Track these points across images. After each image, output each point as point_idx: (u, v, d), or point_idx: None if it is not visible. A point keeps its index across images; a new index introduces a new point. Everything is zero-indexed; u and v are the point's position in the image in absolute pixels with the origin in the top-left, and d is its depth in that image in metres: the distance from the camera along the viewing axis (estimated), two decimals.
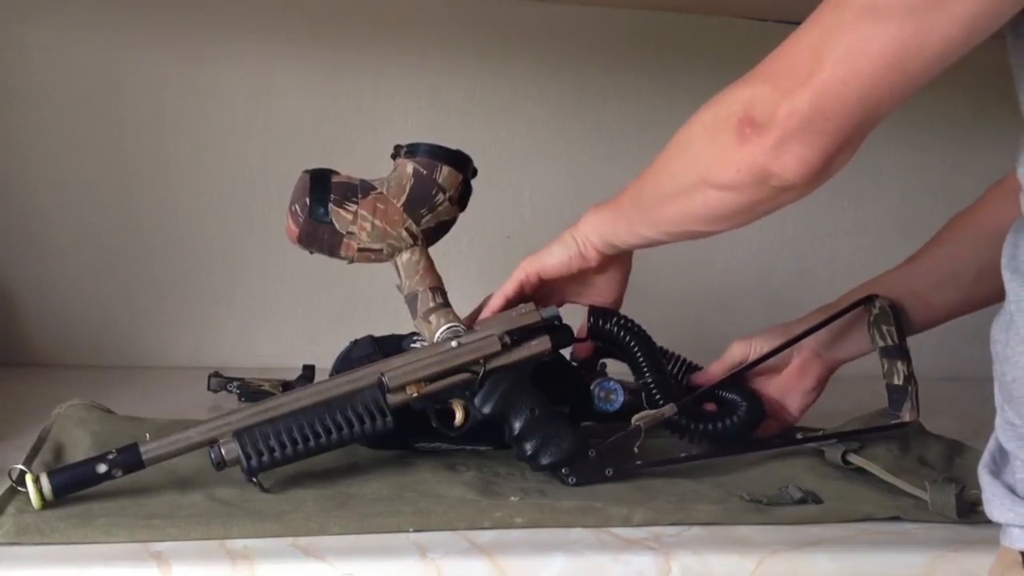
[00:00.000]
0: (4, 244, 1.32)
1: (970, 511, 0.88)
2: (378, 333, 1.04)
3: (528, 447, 0.94)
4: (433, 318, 0.96)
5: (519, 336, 0.94)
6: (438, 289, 0.97)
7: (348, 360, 1.02)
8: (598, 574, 0.80)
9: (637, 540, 0.83)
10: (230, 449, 0.87)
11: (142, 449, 0.85)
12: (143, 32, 1.32)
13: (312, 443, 0.88)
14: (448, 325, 0.95)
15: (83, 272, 1.34)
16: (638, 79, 1.44)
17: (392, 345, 1.01)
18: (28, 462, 0.90)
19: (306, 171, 0.97)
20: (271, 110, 1.36)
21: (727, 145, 0.78)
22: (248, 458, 0.87)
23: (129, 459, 0.84)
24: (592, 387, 1.04)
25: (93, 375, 1.29)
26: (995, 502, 0.73)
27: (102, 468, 0.83)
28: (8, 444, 0.97)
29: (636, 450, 0.95)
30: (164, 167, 1.35)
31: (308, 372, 1.22)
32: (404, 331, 1.05)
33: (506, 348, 0.93)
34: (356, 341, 1.04)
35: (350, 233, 0.95)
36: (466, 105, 1.41)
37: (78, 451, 0.93)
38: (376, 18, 1.36)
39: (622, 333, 1.01)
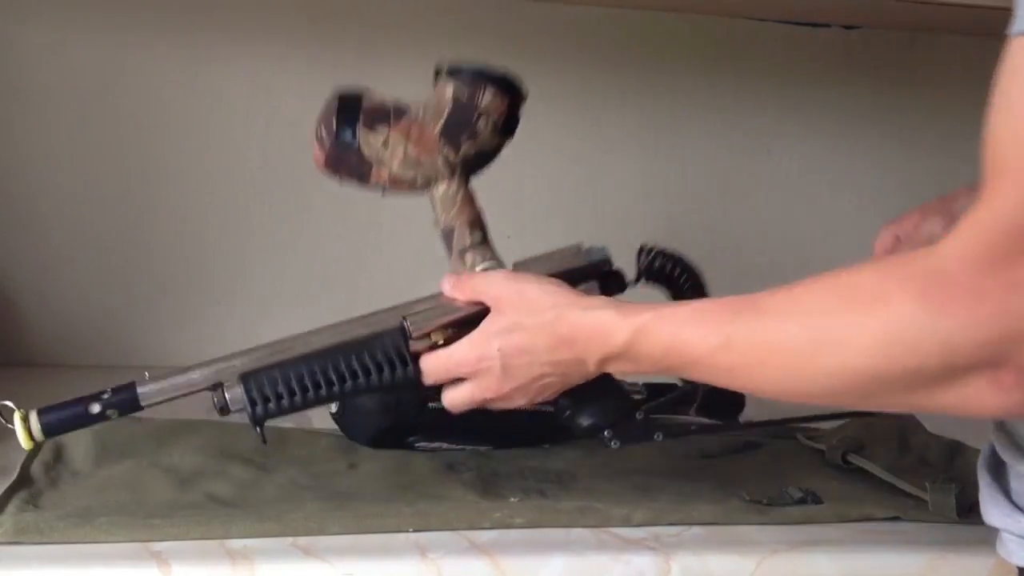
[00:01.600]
0: (4, 244, 1.32)
1: (970, 511, 0.88)
2: None
3: (567, 407, 0.85)
4: (469, 256, 0.87)
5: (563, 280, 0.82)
6: (477, 224, 0.88)
7: None
8: (598, 574, 0.80)
9: (637, 540, 0.83)
10: (235, 394, 0.80)
11: (139, 390, 0.80)
12: (143, 32, 1.32)
13: (324, 391, 0.80)
14: (485, 264, 0.87)
15: (83, 272, 1.34)
16: (638, 79, 1.44)
17: None
18: (28, 462, 0.90)
19: (336, 92, 0.89)
20: (271, 110, 1.36)
21: (974, 394, 0.58)
22: (254, 404, 0.79)
23: (125, 399, 0.79)
24: None
25: (93, 375, 1.28)
26: (990, 503, 0.72)
27: (95, 408, 0.78)
28: (8, 444, 0.97)
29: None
30: (164, 167, 1.35)
31: None
32: None
33: None
34: None
35: (380, 160, 0.87)
36: None
37: (78, 451, 0.93)
38: (376, 18, 1.36)
39: (677, 271, 0.90)
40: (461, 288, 0.82)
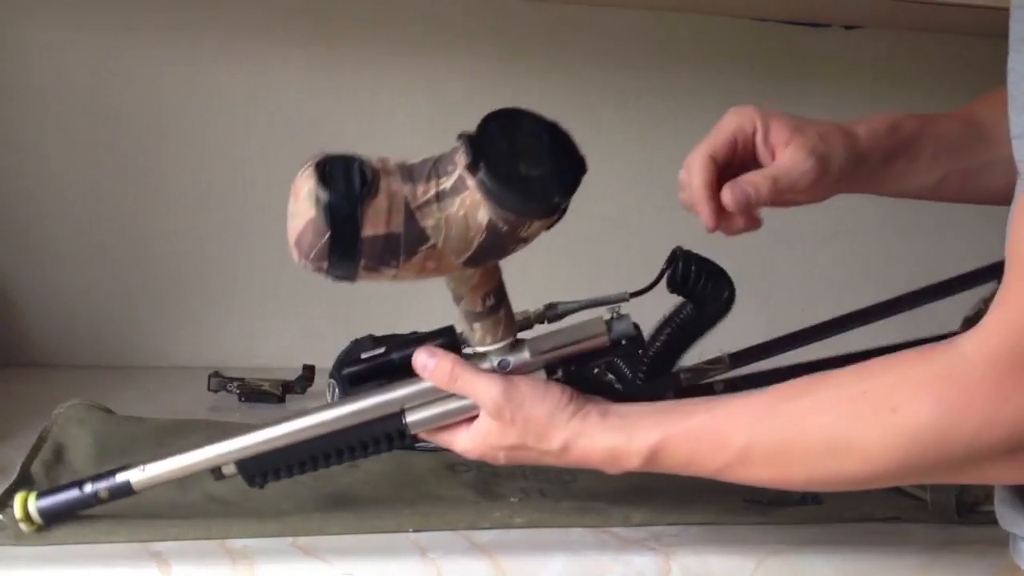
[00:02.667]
0: (4, 244, 1.32)
1: (970, 511, 0.88)
2: (378, 333, 1.04)
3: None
4: (477, 327, 0.77)
5: (575, 366, 0.76)
6: (492, 294, 0.75)
7: (348, 360, 1.02)
8: (598, 574, 0.80)
9: (637, 540, 0.83)
10: (230, 471, 0.79)
11: (133, 483, 0.79)
12: (142, 32, 1.32)
13: (321, 463, 0.79)
14: (494, 348, 0.76)
15: (83, 272, 1.34)
16: (638, 79, 1.44)
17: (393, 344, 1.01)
18: (28, 462, 0.90)
19: (323, 206, 0.68)
20: (271, 110, 1.36)
21: (995, 474, 0.62)
22: (252, 481, 0.79)
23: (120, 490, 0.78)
24: None
25: (93, 375, 1.29)
26: (1008, 509, 0.70)
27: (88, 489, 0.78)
28: (8, 444, 0.97)
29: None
30: (164, 167, 1.35)
31: (308, 372, 1.23)
32: (404, 331, 1.05)
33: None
34: (356, 341, 1.04)
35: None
36: (466, 105, 1.40)
37: (78, 451, 0.93)
38: (376, 18, 1.36)
39: (701, 283, 0.85)
40: (446, 382, 0.75)
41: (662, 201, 1.49)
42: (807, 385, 0.66)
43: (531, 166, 0.69)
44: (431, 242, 0.68)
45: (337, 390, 1.00)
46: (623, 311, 0.79)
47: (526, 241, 0.71)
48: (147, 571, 0.74)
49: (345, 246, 0.68)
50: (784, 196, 0.78)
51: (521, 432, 0.73)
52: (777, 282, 1.52)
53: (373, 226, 0.67)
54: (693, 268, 0.83)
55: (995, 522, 0.86)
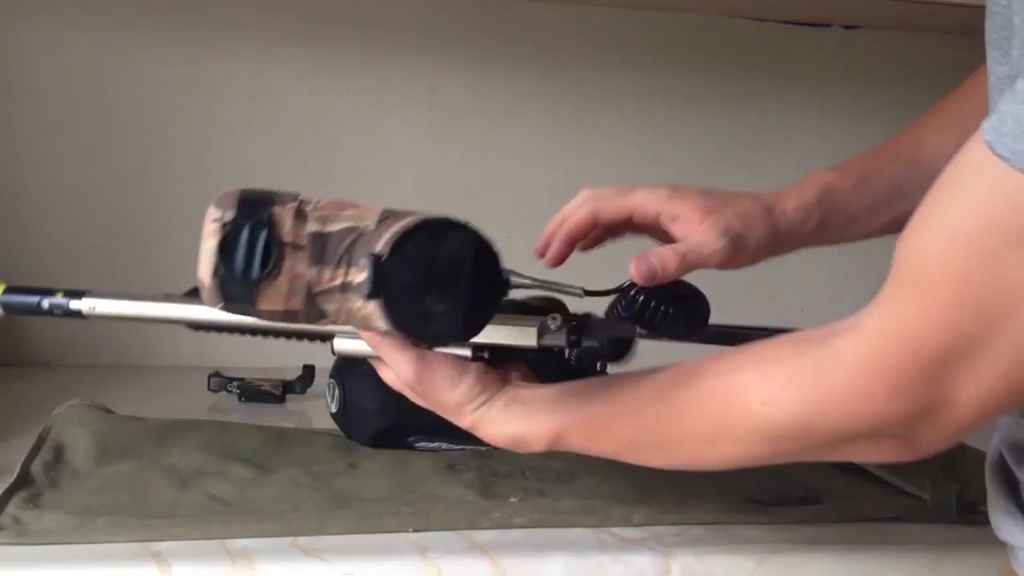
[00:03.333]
0: (3, 243, 1.32)
1: (970, 511, 0.88)
2: None
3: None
4: None
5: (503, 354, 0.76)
6: None
7: (348, 360, 1.02)
8: (598, 574, 0.80)
9: (637, 540, 0.83)
10: None
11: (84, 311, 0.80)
12: (143, 32, 1.32)
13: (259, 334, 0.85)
14: None
15: (83, 272, 1.34)
16: (638, 79, 1.44)
17: None
18: (28, 462, 0.90)
19: (218, 281, 0.67)
20: (271, 110, 1.36)
21: (859, 453, 0.65)
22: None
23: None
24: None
25: (93, 375, 1.29)
26: (1005, 518, 0.70)
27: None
28: (8, 444, 0.97)
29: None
30: (164, 166, 1.35)
31: (308, 372, 1.23)
32: None
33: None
34: None
35: None
36: (466, 105, 1.40)
37: (78, 451, 0.93)
38: (376, 18, 1.36)
39: (649, 314, 0.80)
40: (376, 346, 0.75)
41: None
42: (688, 374, 0.69)
43: (439, 299, 0.65)
44: (330, 319, 0.67)
45: (337, 390, 1.00)
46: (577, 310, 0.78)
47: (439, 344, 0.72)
48: (147, 571, 0.74)
49: (241, 310, 0.67)
50: (694, 269, 0.78)
51: (432, 406, 0.76)
52: (777, 282, 1.52)
53: (270, 303, 0.66)
54: (641, 303, 0.80)
55: None
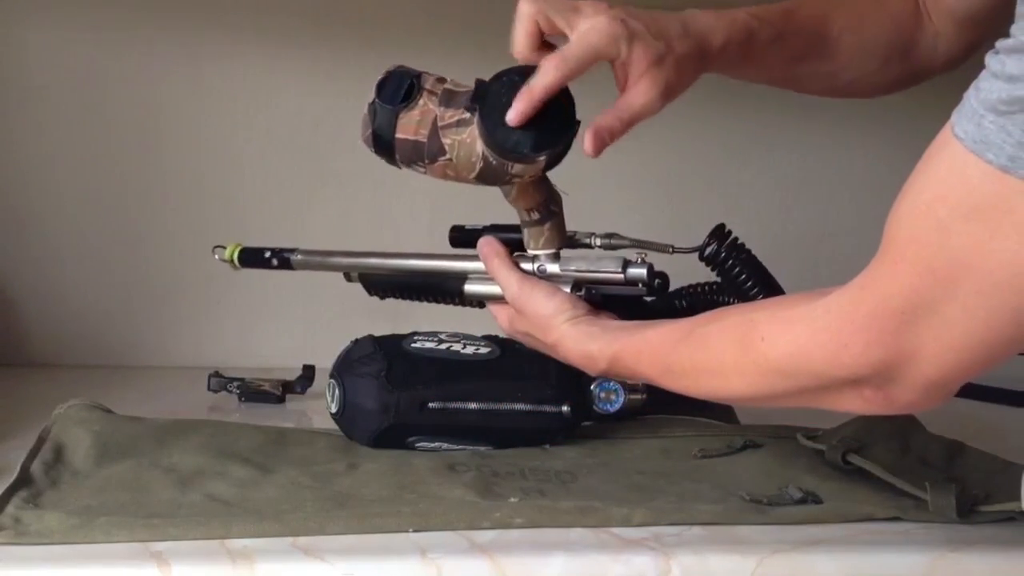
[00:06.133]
0: (4, 244, 1.32)
1: (970, 511, 0.88)
2: (378, 333, 1.04)
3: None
4: (526, 232, 0.91)
5: (596, 290, 0.90)
6: (536, 208, 0.89)
7: (348, 360, 1.02)
8: (598, 574, 0.80)
9: (637, 540, 0.83)
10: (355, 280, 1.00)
11: (292, 258, 1.00)
12: (142, 32, 1.32)
13: (411, 296, 0.99)
14: (535, 253, 0.90)
15: (83, 272, 1.34)
16: None
17: (392, 345, 1.02)
18: (28, 462, 0.90)
19: (369, 106, 0.86)
20: (271, 110, 1.36)
21: (846, 402, 0.70)
22: (369, 291, 1.00)
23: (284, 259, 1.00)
24: (592, 387, 1.04)
25: (93, 375, 1.29)
26: None
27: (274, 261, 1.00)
28: (8, 444, 0.97)
29: None
30: (163, 167, 1.35)
31: (308, 372, 1.23)
32: (404, 331, 1.05)
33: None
34: (356, 341, 1.04)
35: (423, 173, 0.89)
36: None
37: (78, 451, 0.93)
38: (376, 18, 1.37)
39: (736, 270, 0.93)
40: (488, 267, 0.91)
41: (661, 200, 1.49)
42: (720, 313, 0.79)
43: None
44: (447, 156, 0.84)
45: (337, 390, 1.00)
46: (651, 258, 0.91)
47: (519, 176, 0.84)
48: (147, 571, 0.74)
49: (383, 141, 0.85)
50: (635, 123, 0.88)
51: (529, 324, 0.88)
52: (778, 281, 1.52)
53: (404, 132, 0.85)
54: (726, 252, 0.92)
55: (995, 522, 0.86)
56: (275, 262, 1.01)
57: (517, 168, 0.83)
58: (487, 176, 0.85)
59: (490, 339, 1.04)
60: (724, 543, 0.83)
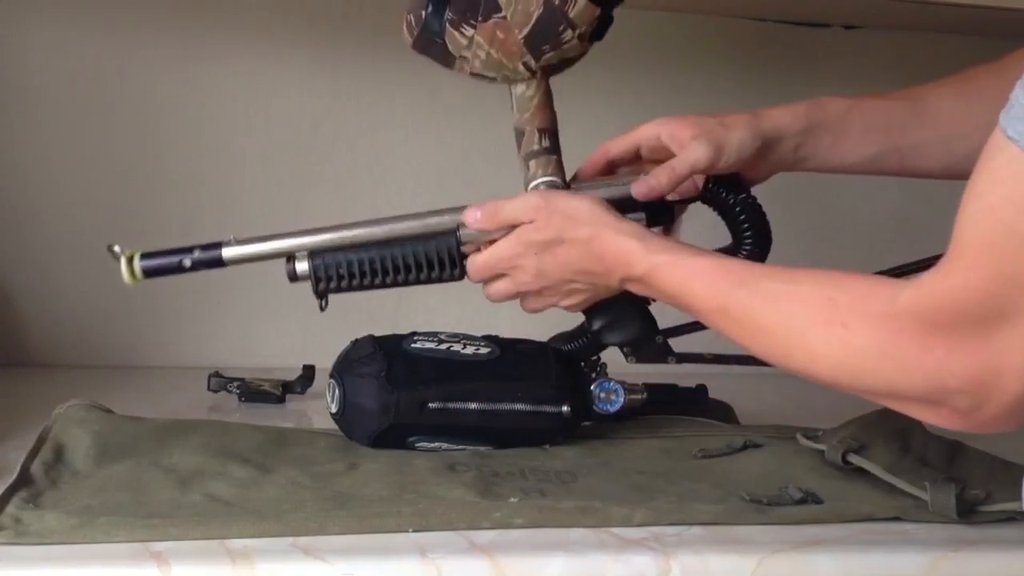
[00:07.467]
0: (3, 244, 1.32)
1: (970, 511, 0.88)
2: (378, 333, 1.04)
3: (596, 323, 0.97)
4: (532, 164, 0.92)
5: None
6: (547, 131, 0.92)
7: (348, 360, 1.02)
8: (598, 574, 0.80)
9: (637, 540, 0.83)
10: (303, 267, 0.93)
11: (224, 252, 0.92)
12: (142, 32, 1.32)
13: (379, 279, 0.92)
14: (544, 179, 0.91)
15: (83, 272, 1.34)
16: (638, 79, 1.44)
17: (392, 345, 1.02)
18: (28, 462, 0.90)
19: None
20: (271, 110, 1.36)
21: (919, 414, 0.68)
22: (318, 281, 0.93)
23: (212, 258, 0.93)
24: (592, 387, 1.04)
25: (93, 375, 1.29)
26: None
27: (187, 262, 0.92)
28: (8, 444, 0.97)
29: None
30: (163, 167, 1.35)
31: (308, 372, 1.23)
32: (404, 331, 1.05)
33: None
34: (356, 341, 1.04)
35: (463, 57, 0.91)
36: (466, 105, 1.40)
37: (78, 451, 0.93)
38: (376, 18, 1.37)
39: (738, 208, 0.95)
40: (492, 220, 0.89)
41: None
42: (790, 273, 0.75)
43: None
44: (502, 13, 0.86)
45: (337, 390, 1.00)
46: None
47: (574, 28, 0.86)
48: (147, 571, 0.74)
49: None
50: (685, 177, 0.90)
51: (558, 226, 0.86)
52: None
53: None
54: (726, 190, 0.93)
55: (995, 522, 0.86)
56: (195, 267, 0.93)
57: (580, 3, 0.85)
58: (538, 33, 0.86)
59: (490, 339, 1.04)
60: (724, 543, 0.83)
